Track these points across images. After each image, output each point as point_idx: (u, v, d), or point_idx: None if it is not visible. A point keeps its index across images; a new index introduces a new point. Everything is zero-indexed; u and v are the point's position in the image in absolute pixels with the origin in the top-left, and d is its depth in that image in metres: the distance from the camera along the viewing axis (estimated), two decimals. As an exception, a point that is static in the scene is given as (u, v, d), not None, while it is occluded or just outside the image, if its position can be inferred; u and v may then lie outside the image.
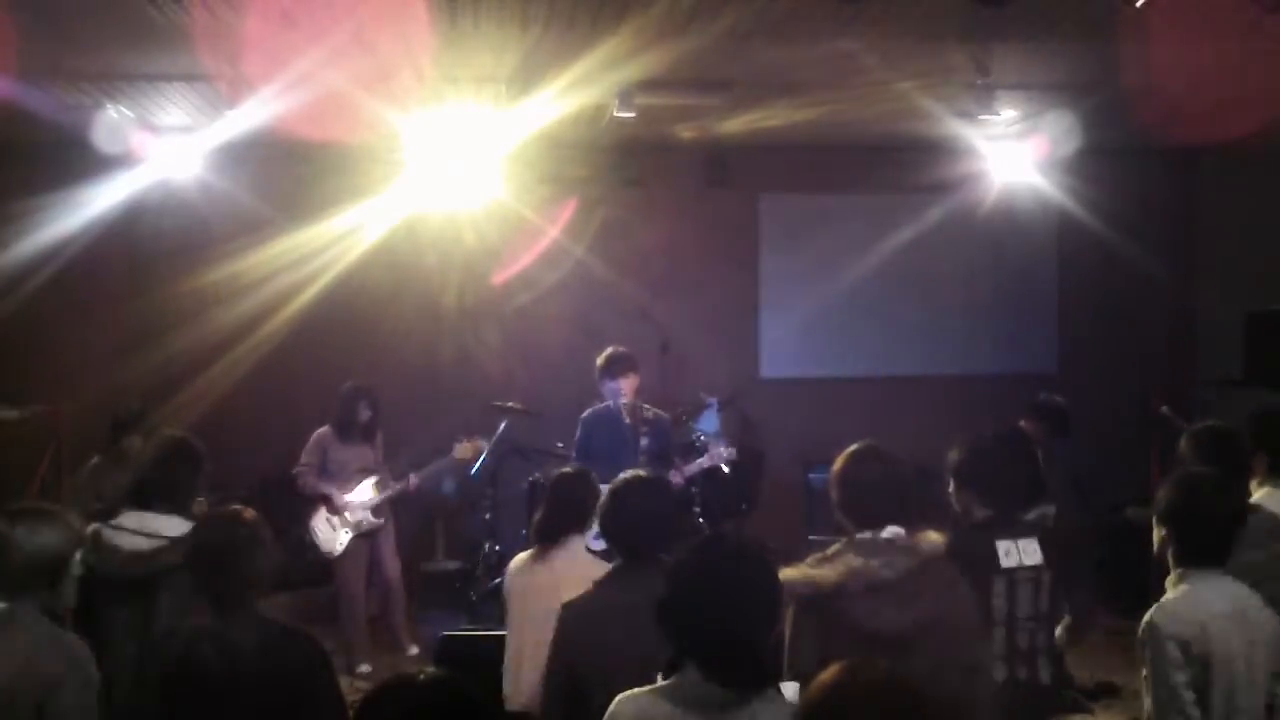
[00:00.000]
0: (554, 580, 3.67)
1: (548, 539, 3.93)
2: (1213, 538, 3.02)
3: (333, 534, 6.54)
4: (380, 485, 6.65)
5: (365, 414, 6.63)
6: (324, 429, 6.66)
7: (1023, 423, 6.36)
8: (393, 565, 6.72)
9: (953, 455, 3.67)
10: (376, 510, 6.63)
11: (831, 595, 2.92)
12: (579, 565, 3.72)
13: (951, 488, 3.69)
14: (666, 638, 2.41)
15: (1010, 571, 3.44)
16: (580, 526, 3.93)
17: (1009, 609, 3.44)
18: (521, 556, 4.03)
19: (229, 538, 3.03)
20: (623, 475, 3.44)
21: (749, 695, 2.31)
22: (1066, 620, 3.69)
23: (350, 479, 6.59)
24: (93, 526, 3.87)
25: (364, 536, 6.59)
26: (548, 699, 3.14)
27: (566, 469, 4.23)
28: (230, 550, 3.00)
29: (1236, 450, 3.77)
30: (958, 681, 2.92)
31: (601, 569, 3.43)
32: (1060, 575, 3.53)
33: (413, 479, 6.66)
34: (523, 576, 3.93)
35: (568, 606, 3.19)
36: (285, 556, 3.21)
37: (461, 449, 6.72)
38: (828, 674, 1.94)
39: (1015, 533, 3.50)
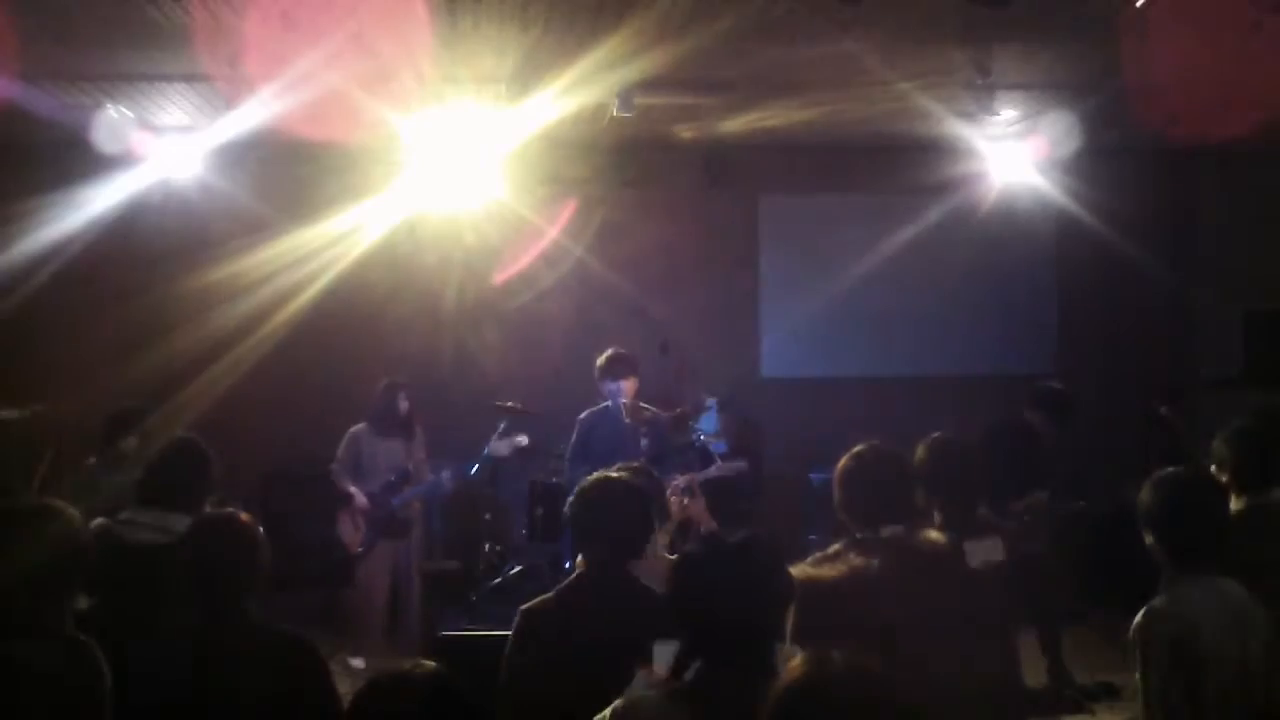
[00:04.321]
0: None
1: None
2: (1199, 539, 2.98)
3: (355, 534, 6.50)
4: (414, 483, 6.59)
5: (404, 406, 6.59)
6: (359, 425, 6.60)
7: (1027, 414, 6.36)
8: (414, 572, 6.67)
9: (918, 454, 3.67)
10: (407, 509, 6.57)
11: (830, 594, 2.92)
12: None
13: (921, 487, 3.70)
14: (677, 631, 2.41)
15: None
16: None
17: None
18: None
19: (223, 542, 3.02)
20: (593, 476, 3.31)
21: (760, 689, 2.31)
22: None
23: (380, 476, 6.54)
24: (98, 521, 3.87)
25: (389, 538, 6.55)
26: (505, 704, 3.03)
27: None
28: (225, 555, 2.99)
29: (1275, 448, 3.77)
30: (956, 679, 2.92)
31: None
32: (1026, 576, 3.54)
33: (446, 479, 6.63)
34: None
35: (526, 611, 3.10)
36: (288, 557, 3.18)
37: (497, 445, 6.70)
38: (791, 669, 1.93)
39: (975, 533, 3.49)
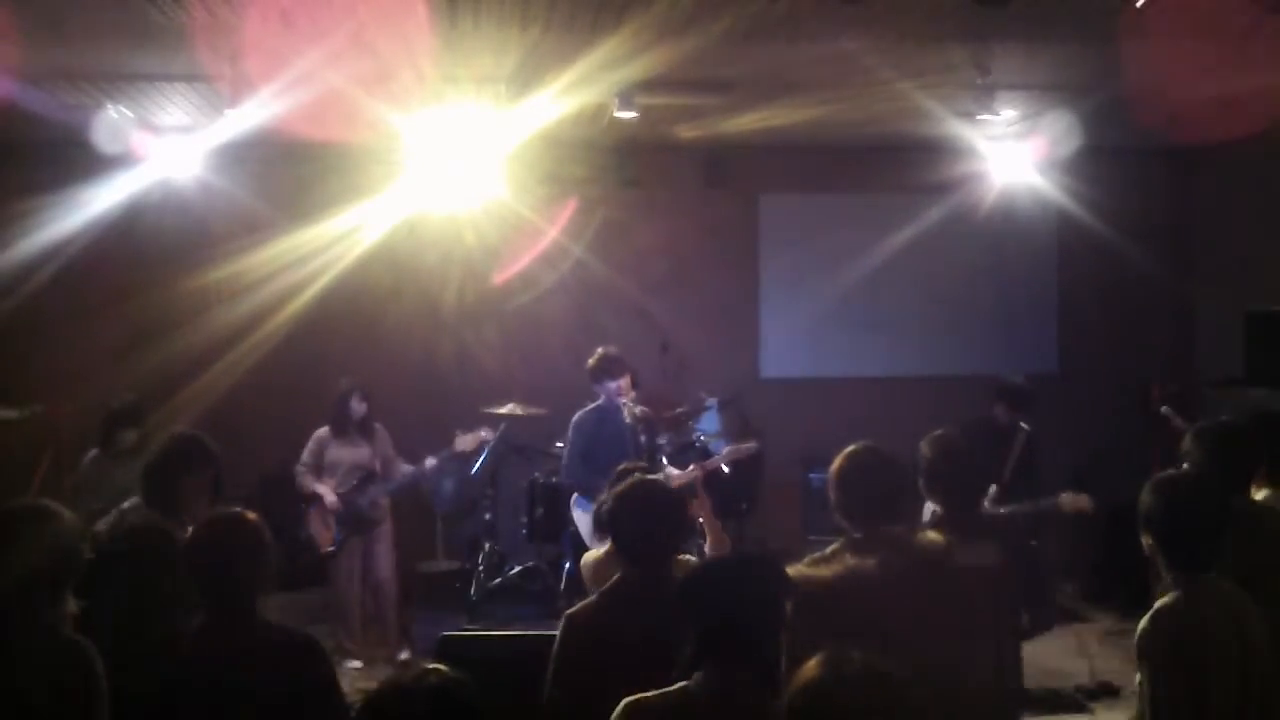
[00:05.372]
0: None
1: None
2: (1197, 540, 2.97)
3: (325, 532, 6.57)
4: (380, 480, 6.66)
5: (359, 409, 6.66)
6: (322, 429, 6.71)
7: (995, 410, 6.48)
8: (385, 564, 6.73)
9: (921, 450, 3.66)
10: (374, 507, 6.63)
11: (827, 594, 2.92)
12: None
13: (920, 483, 3.70)
14: (686, 635, 2.47)
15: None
16: None
17: None
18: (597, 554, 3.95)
19: (231, 541, 3.02)
20: (630, 480, 3.33)
21: (762, 689, 2.34)
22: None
23: (344, 477, 6.61)
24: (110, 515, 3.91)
25: (358, 535, 6.61)
26: (553, 712, 3.05)
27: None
28: (232, 554, 2.99)
29: (1244, 449, 3.74)
30: (953, 679, 2.92)
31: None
32: (1016, 578, 3.52)
33: (430, 461, 6.68)
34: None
35: (571, 616, 3.12)
36: (283, 557, 3.18)
37: (463, 440, 6.73)
38: (809, 669, 1.95)
39: (969, 533, 3.47)
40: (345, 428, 6.67)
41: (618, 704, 2.47)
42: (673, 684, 2.48)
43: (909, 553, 3.01)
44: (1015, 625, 3.56)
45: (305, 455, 6.69)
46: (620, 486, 3.29)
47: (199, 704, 2.82)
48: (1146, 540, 3.06)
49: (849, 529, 3.13)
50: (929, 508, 4.31)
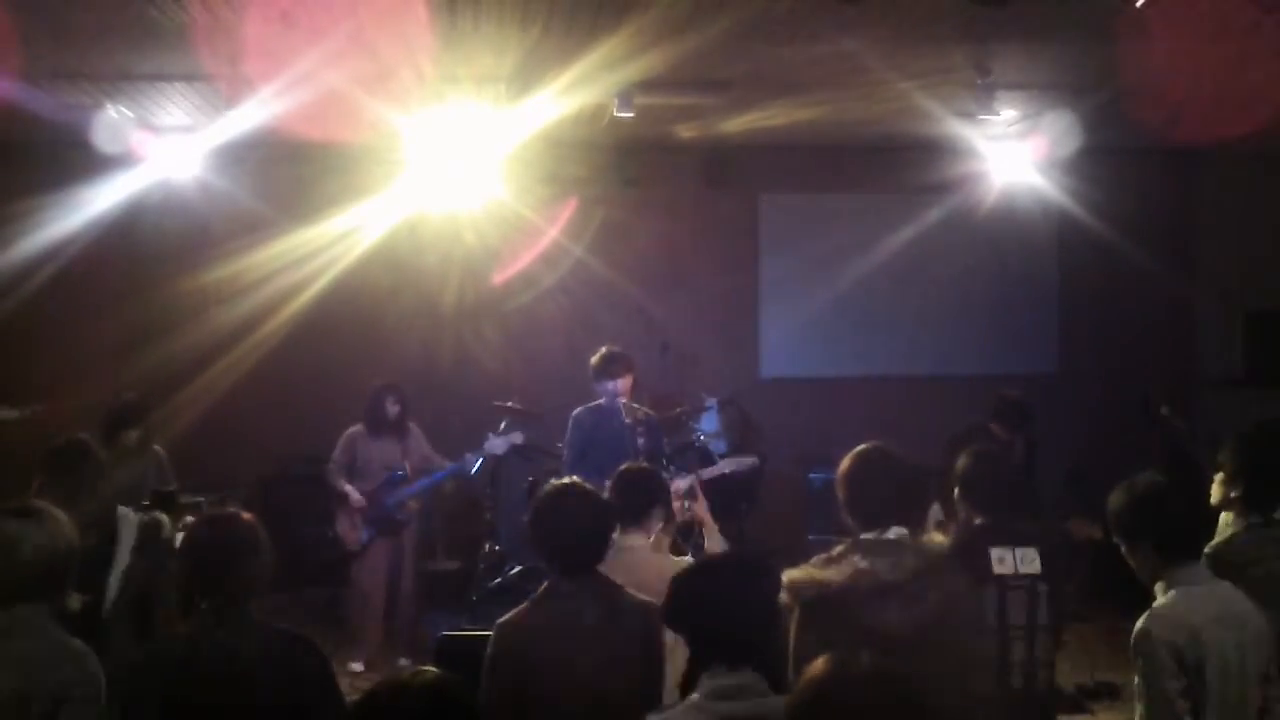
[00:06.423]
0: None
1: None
2: (1192, 533, 3.02)
3: (352, 532, 6.56)
4: (412, 482, 6.65)
5: (393, 410, 6.65)
6: (356, 427, 6.69)
7: (992, 425, 6.50)
8: (409, 571, 6.72)
9: (960, 462, 3.66)
10: (401, 508, 6.62)
11: (836, 596, 2.91)
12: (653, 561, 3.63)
13: (956, 493, 3.70)
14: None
15: (1002, 579, 3.43)
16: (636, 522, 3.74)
17: (1000, 617, 3.43)
18: None
19: (226, 541, 3.01)
20: (553, 484, 3.32)
21: (767, 689, 2.34)
22: None
23: (375, 476, 6.60)
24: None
25: (386, 535, 6.59)
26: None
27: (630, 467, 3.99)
28: (227, 553, 2.98)
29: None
30: (962, 682, 2.92)
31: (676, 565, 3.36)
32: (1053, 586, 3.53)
33: (469, 457, 6.68)
34: None
35: (502, 625, 3.12)
36: (288, 556, 3.17)
37: (494, 443, 6.74)
38: (815, 668, 1.95)
39: (1013, 540, 3.48)
40: (379, 427, 6.66)
41: (547, 708, 2.49)
42: (679, 694, 2.48)
43: (917, 554, 3.00)
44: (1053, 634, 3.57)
45: (337, 453, 6.66)
46: (543, 490, 3.28)
47: (195, 704, 2.82)
48: (1130, 542, 3.06)
49: (857, 529, 3.12)
50: (934, 510, 4.32)
